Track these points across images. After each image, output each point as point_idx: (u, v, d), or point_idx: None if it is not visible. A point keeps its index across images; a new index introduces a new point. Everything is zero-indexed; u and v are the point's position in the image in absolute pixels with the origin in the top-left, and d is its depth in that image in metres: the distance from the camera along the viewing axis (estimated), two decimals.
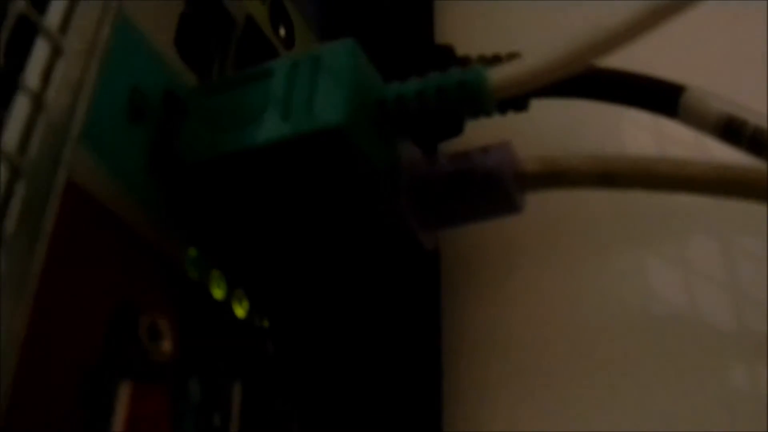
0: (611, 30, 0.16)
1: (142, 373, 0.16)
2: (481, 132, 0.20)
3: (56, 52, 0.16)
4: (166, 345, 0.17)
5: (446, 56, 0.22)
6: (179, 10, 0.19)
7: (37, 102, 0.16)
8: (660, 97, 0.19)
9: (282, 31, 0.23)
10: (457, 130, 0.21)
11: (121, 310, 0.16)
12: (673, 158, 0.18)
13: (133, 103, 0.17)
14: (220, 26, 0.21)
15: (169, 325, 0.17)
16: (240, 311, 0.19)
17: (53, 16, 0.16)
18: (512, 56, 0.20)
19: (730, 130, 0.18)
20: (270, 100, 0.17)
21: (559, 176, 0.18)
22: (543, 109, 0.21)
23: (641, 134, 0.23)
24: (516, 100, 0.21)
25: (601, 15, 0.24)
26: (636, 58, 0.19)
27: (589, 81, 0.20)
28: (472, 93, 0.17)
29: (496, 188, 0.18)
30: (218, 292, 0.19)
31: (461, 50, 0.22)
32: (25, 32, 0.16)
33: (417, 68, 0.18)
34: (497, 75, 0.17)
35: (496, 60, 0.21)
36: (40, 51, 0.16)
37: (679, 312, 0.21)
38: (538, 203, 0.19)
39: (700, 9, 0.16)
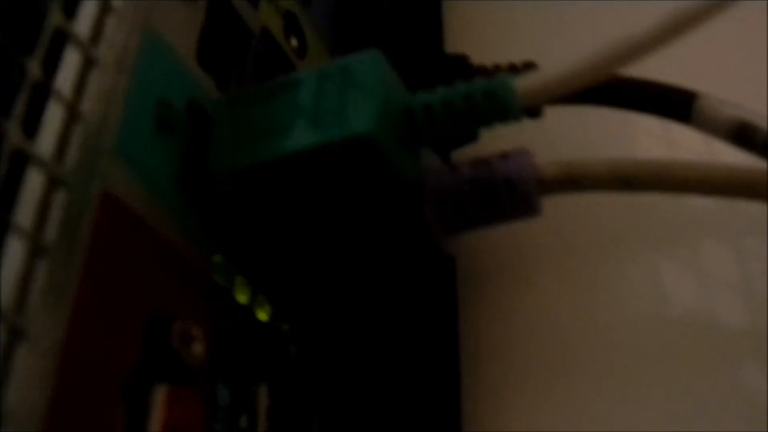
0: (637, 39, 0.16)
1: (177, 376, 0.16)
2: (493, 138, 0.21)
3: (89, 63, 0.16)
4: (198, 349, 0.17)
5: (460, 66, 0.22)
6: (201, 22, 0.20)
7: (72, 112, 0.16)
8: (674, 103, 0.20)
9: (294, 42, 0.24)
10: (472, 137, 0.21)
11: (156, 317, 0.16)
12: (689, 161, 0.18)
13: (161, 114, 0.18)
14: (238, 37, 0.21)
15: (200, 330, 0.17)
16: (263, 315, 0.19)
17: (83, 26, 0.17)
18: (528, 65, 0.21)
19: (743, 135, 0.19)
20: (299, 110, 0.17)
21: (577, 181, 0.18)
22: (554, 115, 0.22)
23: (651, 140, 0.23)
24: (530, 107, 0.21)
25: (608, 19, 0.24)
26: (645, 66, 0.20)
27: (604, 88, 0.20)
28: (499, 101, 0.17)
29: (517, 194, 0.18)
30: (242, 297, 0.19)
31: (472, 57, 0.23)
32: (53, 43, 0.16)
33: (431, 78, 0.19)
34: (524, 84, 0.17)
35: (512, 69, 0.21)
36: (71, 61, 0.16)
37: (693, 314, 0.21)
38: (554, 208, 0.20)
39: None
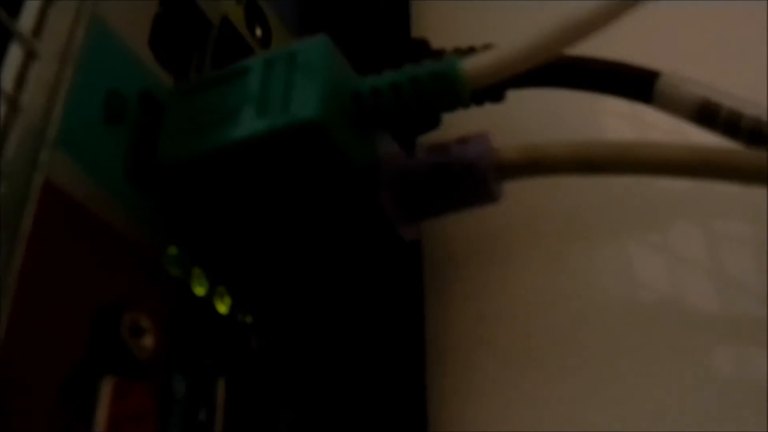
0: (583, 17, 0.16)
1: (125, 369, 0.16)
2: (459, 125, 0.20)
3: (30, 56, 0.16)
4: (149, 341, 0.17)
5: (421, 50, 0.22)
6: (154, 12, 0.19)
7: (12, 105, 0.16)
8: (635, 83, 0.19)
9: (258, 32, 0.23)
10: (434, 123, 0.21)
11: (103, 308, 0.16)
12: (651, 142, 0.18)
13: (110, 105, 0.17)
14: (196, 27, 0.21)
15: (151, 322, 0.17)
16: (222, 308, 0.19)
17: (26, 19, 0.17)
18: (487, 47, 0.20)
19: (706, 114, 0.18)
20: (246, 97, 0.17)
21: (538, 164, 0.18)
22: (520, 99, 0.21)
23: (619, 122, 0.23)
24: (492, 91, 0.21)
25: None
26: (618, 47, 0.19)
27: (564, 69, 0.20)
28: (447, 83, 0.17)
29: (476, 179, 0.18)
30: (200, 290, 0.19)
31: (437, 45, 0.22)
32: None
33: (392, 63, 0.19)
34: (471, 64, 0.17)
35: (471, 52, 0.21)
36: (13, 55, 0.16)
37: (664, 299, 0.21)
38: (520, 193, 0.19)
39: None
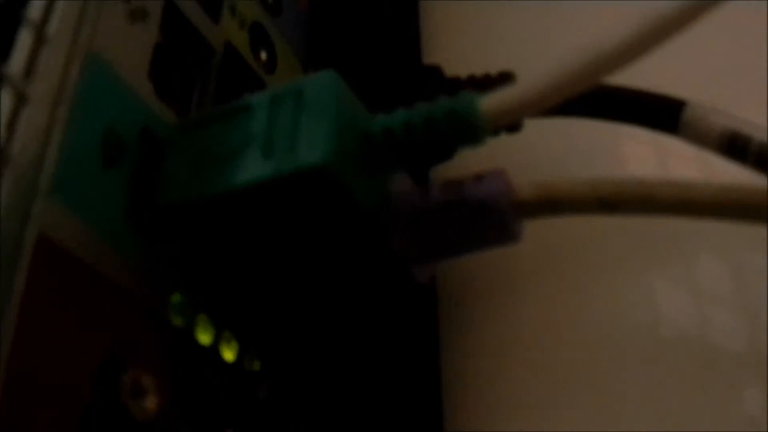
0: (610, 51, 0.15)
1: None
2: (473, 154, 0.19)
3: (20, 100, 0.15)
4: (151, 403, 0.16)
5: (434, 77, 0.21)
6: (153, 41, 0.18)
7: (1, 155, 0.15)
8: (660, 113, 0.18)
9: (263, 56, 0.22)
10: (447, 155, 0.20)
11: (103, 368, 0.15)
12: (676, 181, 0.17)
13: (108, 147, 0.17)
14: (198, 55, 0.20)
15: (153, 381, 0.16)
16: (229, 355, 0.18)
17: (16, 61, 0.16)
18: (504, 75, 0.19)
19: (735, 147, 0.18)
20: (250, 137, 0.16)
21: (556, 203, 0.17)
22: (537, 128, 0.20)
23: (641, 151, 0.22)
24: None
25: (585, 22, 0.23)
26: (632, 72, 0.18)
27: (585, 98, 0.19)
28: (463, 122, 0.16)
29: (491, 218, 0.17)
30: (205, 338, 0.18)
31: (448, 66, 0.21)
32: None
33: (405, 90, 0.18)
34: (489, 103, 0.16)
35: (486, 80, 0.20)
36: (3, 100, 0.15)
37: (689, 334, 0.20)
38: (539, 227, 0.19)
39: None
